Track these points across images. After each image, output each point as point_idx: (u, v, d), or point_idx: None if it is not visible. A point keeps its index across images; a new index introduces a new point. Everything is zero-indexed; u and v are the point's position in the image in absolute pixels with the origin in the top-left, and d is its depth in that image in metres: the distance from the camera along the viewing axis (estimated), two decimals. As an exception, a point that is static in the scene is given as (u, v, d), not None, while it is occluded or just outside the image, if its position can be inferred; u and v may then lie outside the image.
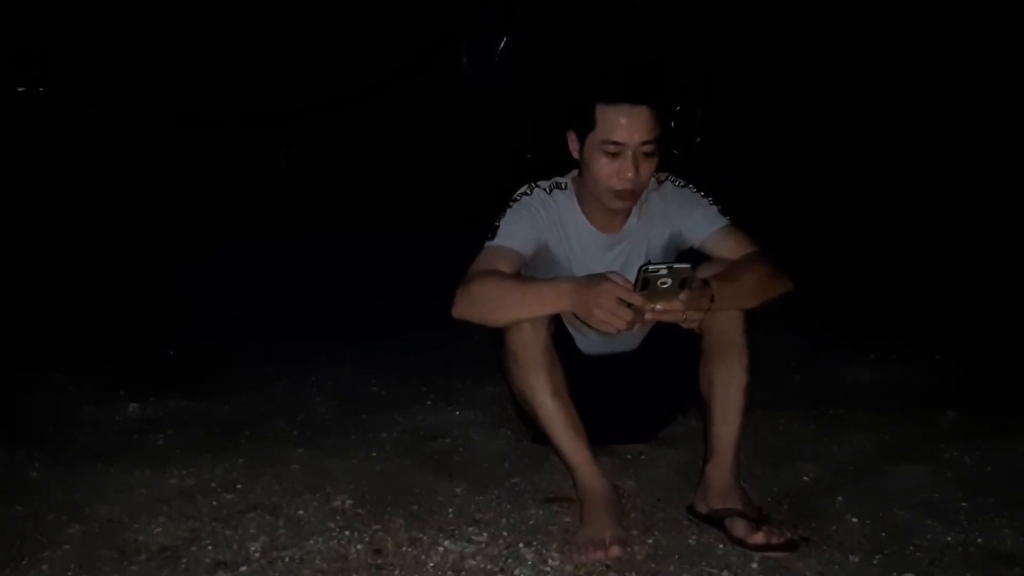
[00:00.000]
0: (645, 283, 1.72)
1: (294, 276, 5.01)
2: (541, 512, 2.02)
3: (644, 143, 1.95)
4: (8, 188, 6.83)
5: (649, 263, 1.75)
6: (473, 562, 1.79)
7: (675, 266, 1.72)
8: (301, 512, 2.01)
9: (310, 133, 8.97)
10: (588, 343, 2.26)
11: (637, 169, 1.96)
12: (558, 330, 2.10)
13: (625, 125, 1.94)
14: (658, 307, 1.75)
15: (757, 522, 1.83)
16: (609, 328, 1.76)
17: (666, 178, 2.18)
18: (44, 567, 1.75)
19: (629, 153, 1.95)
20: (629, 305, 1.74)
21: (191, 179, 7.90)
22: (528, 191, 2.14)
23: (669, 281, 1.72)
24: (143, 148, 8.11)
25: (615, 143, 1.95)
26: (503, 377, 2.18)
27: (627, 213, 2.14)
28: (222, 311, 4.19)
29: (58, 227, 6.25)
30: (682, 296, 1.75)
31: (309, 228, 6.73)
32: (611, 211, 2.09)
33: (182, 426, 2.57)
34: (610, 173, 1.98)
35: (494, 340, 2.12)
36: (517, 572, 1.75)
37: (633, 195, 2.03)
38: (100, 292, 4.59)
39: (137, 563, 1.78)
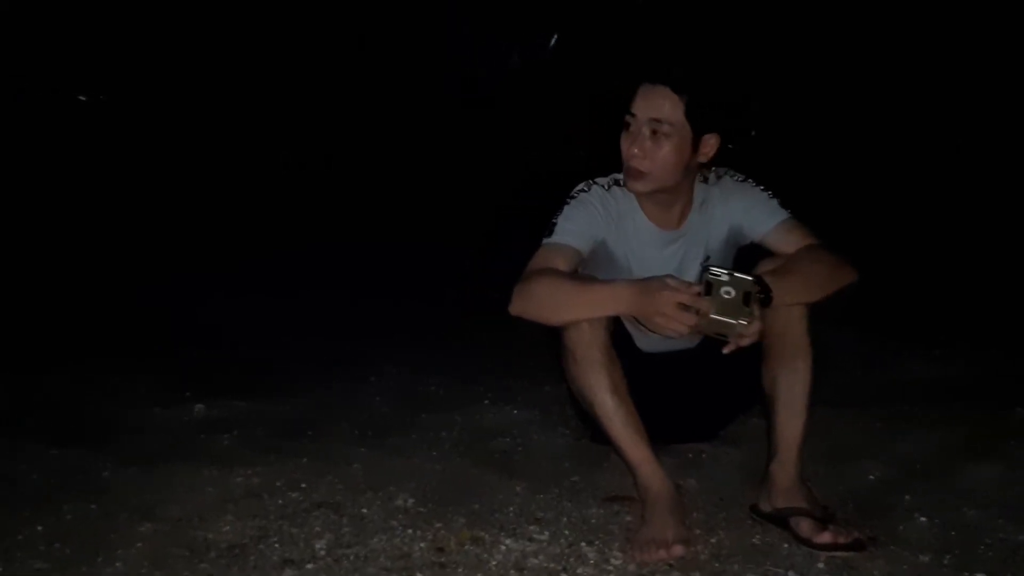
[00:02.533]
0: (708, 287, 1.72)
1: (328, 281, 5.10)
2: (602, 511, 2.02)
3: (654, 120, 1.94)
4: (41, 193, 6.94)
5: (710, 264, 1.75)
6: (535, 560, 1.79)
7: (737, 275, 1.72)
8: (364, 510, 2.03)
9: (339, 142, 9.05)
10: (647, 341, 2.24)
11: (644, 147, 1.96)
12: (616, 327, 2.10)
13: (640, 99, 1.96)
14: (737, 330, 1.75)
15: (823, 521, 1.81)
16: (671, 332, 1.77)
17: (725, 172, 2.15)
18: (118, 564, 1.80)
19: (640, 128, 1.96)
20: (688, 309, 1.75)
21: (209, 185, 7.95)
22: (586, 187, 2.13)
23: (733, 291, 1.72)
24: (176, 158, 8.24)
25: (630, 114, 1.97)
26: (561, 376, 2.18)
27: (686, 208, 2.12)
28: (269, 315, 4.29)
29: (90, 235, 6.34)
30: (754, 314, 1.75)
31: (337, 237, 6.78)
32: (662, 205, 2.08)
33: (246, 426, 2.62)
34: (624, 147, 2.00)
35: (550, 339, 2.12)
36: (580, 571, 1.75)
37: (640, 176, 2.00)
38: (148, 298, 4.70)
39: (207, 560, 1.82)
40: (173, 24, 8.20)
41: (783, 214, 2.08)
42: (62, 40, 8.00)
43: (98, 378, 3.16)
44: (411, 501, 2.08)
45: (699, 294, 1.74)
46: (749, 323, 1.74)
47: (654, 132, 1.95)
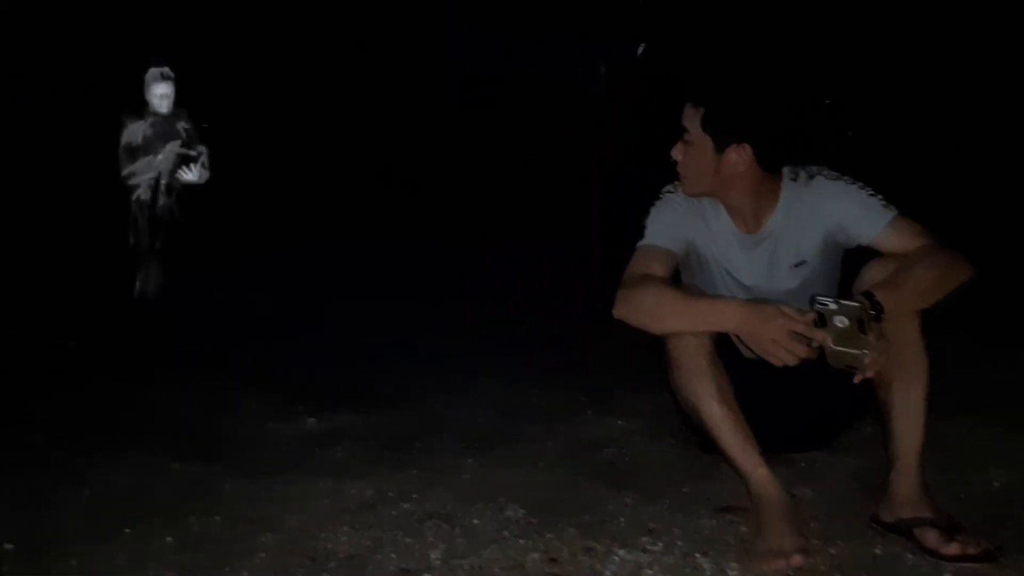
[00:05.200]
0: (821, 320, 1.70)
1: (407, 286, 5.21)
2: (715, 522, 1.99)
3: (683, 127, 2.04)
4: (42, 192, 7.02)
5: (817, 296, 1.73)
6: (650, 572, 1.78)
7: (844, 303, 1.72)
8: (476, 521, 2.05)
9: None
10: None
11: (678, 152, 2.06)
12: (719, 334, 2.07)
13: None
14: (863, 360, 1.72)
15: (950, 531, 1.75)
16: (777, 361, 1.77)
17: (818, 172, 2.11)
18: (244, 574, 1.86)
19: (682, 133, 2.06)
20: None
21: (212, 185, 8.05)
22: (672, 188, 2.15)
23: (847, 320, 1.70)
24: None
25: None
26: (663, 384, 2.17)
27: (767, 210, 2.09)
28: (356, 322, 4.44)
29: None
30: (872, 341, 1.72)
31: (369, 237, 6.93)
32: (737, 206, 2.08)
33: (356, 439, 2.69)
34: None
35: (653, 346, 2.11)
36: (696, 582, 1.74)
37: (680, 179, 2.09)
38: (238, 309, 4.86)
39: (327, 570, 1.86)
40: (174, 24, 8.26)
41: (889, 213, 2.01)
42: (61, 40, 8.03)
43: (207, 392, 3.30)
44: (521, 512, 2.08)
45: (812, 325, 1.72)
46: (872, 351, 1.72)
47: (684, 139, 2.02)
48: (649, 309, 1.94)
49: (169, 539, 2.02)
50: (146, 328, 4.34)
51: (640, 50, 8.31)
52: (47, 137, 7.57)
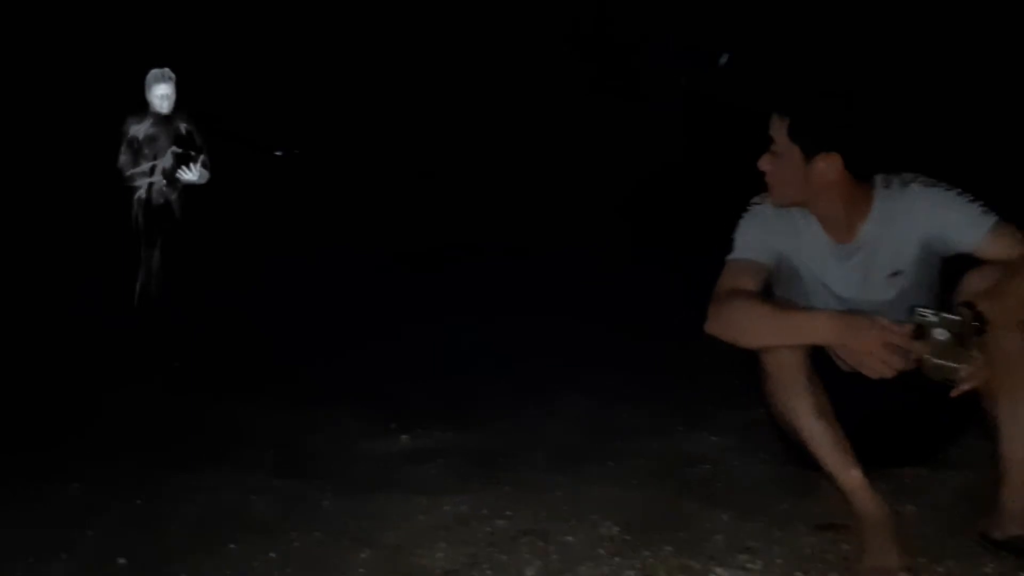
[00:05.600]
0: (920, 331, 1.66)
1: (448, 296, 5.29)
2: (816, 539, 1.96)
3: (770, 138, 1.99)
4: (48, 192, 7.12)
5: (917, 308, 1.69)
6: (750, 590, 1.76)
7: (945, 316, 1.67)
8: (570, 538, 2.06)
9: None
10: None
11: (766, 162, 2.01)
12: (814, 347, 2.03)
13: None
14: (962, 374, 1.67)
15: (1065, 550, 1.68)
16: (873, 373, 1.73)
17: (913, 179, 2.05)
18: (344, 588, 1.92)
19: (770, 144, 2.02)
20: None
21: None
22: (760, 199, 2.11)
23: (947, 333, 1.65)
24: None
25: None
26: (755, 398, 2.13)
27: (858, 220, 2.03)
28: (421, 333, 4.53)
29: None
30: (973, 354, 1.67)
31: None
32: (828, 216, 2.03)
33: (449, 456, 2.73)
34: None
35: (745, 360, 2.08)
36: (797, 601, 1.71)
37: (769, 189, 2.04)
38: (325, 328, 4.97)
39: (425, 586, 1.90)
40: (174, 24, 8.33)
41: (989, 220, 1.94)
42: (61, 40, 8.18)
43: (295, 410, 3.41)
44: (615, 529, 2.08)
45: (911, 336, 1.68)
46: (971, 365, 1.67)
47: (771, 150, 1.99)
48: (740, 324, 1.91)
49: (272, 555, 2.09)
50: (200, 340, 4.46)
51: (724, 59, 8.23)
52: (47, 137, 7.72)
